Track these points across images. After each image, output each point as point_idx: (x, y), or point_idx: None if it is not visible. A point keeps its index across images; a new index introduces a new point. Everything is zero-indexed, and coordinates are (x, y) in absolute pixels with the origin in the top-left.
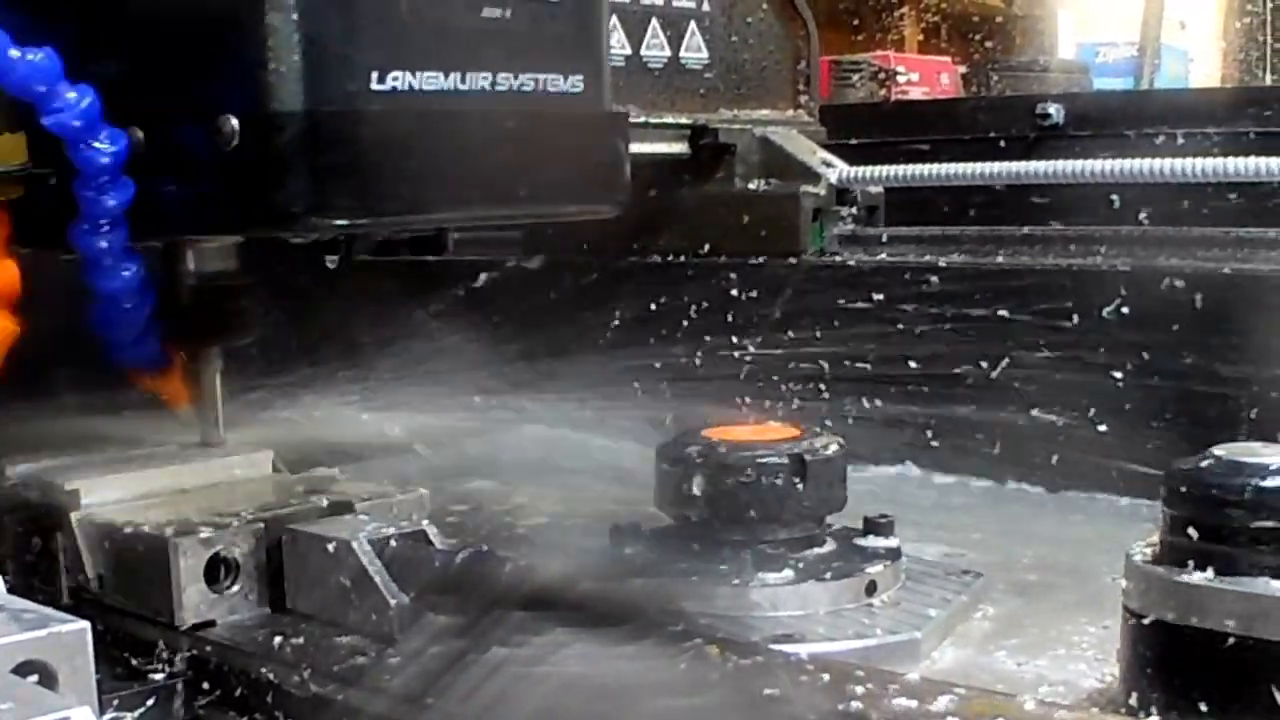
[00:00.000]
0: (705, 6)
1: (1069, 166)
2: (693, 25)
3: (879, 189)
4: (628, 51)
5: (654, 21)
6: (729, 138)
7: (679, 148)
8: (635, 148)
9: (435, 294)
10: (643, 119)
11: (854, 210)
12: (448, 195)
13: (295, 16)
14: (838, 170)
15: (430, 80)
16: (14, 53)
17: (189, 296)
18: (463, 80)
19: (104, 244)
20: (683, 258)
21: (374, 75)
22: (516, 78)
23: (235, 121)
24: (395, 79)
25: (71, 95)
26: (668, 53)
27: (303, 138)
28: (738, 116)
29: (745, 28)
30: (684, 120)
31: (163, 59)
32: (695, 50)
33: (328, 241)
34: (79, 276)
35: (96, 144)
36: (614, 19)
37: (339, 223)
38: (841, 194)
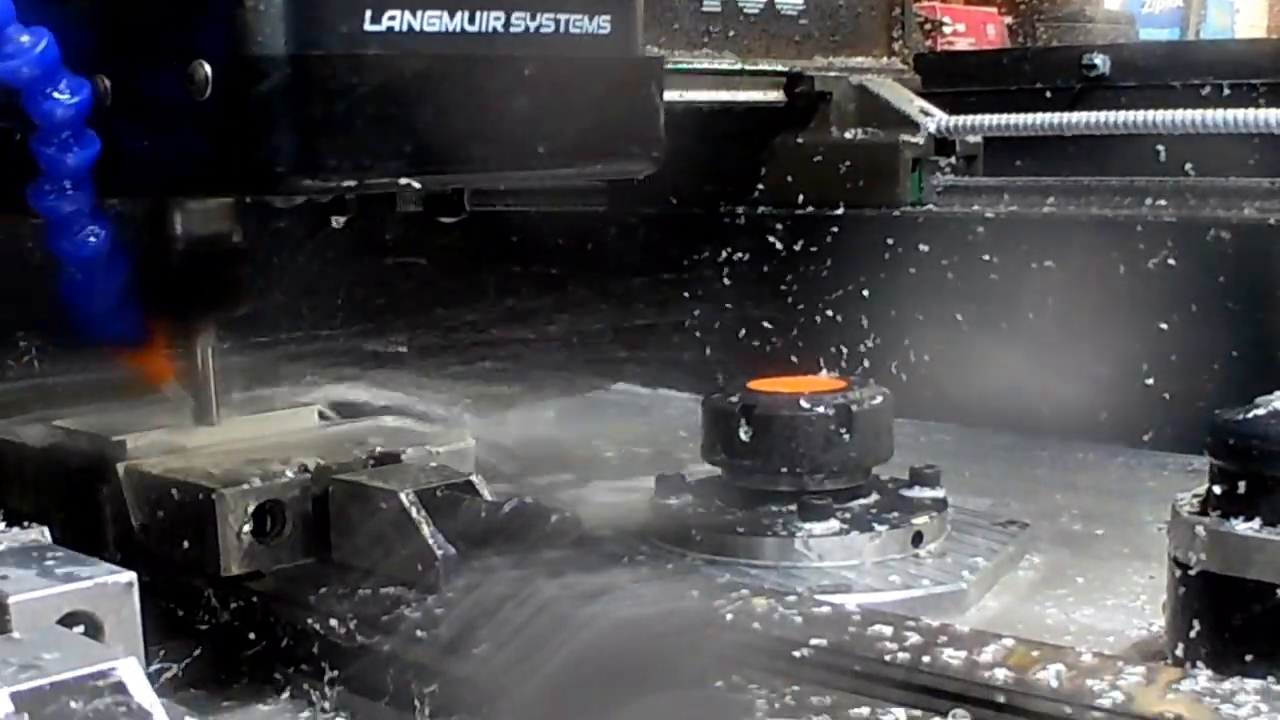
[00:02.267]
0: None
1: (1145, 117)
2: None
3: (978, 138)
4: None
5: None
6: (825, 85)
7: (774, 95)
8: (729, 95)
9: (514, 248)
10: (738, 66)
11: (953, 160)
12: (454, 152)
13: None
14: (937, 119)
15: (433, 20)
16: None
17: (176, 262)
18: (471, 20)
19: (68, 206)
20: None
21: (368, 14)
22: (534, 18)
23: (208, 68)
24: (392, 18)
25: (25, 39)
26: None
27: (286, 86)
28: (833, 64)
29: None
30: (780, 67)
31: None
32: None
33: (333, 200)
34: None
35: (55, 94)
36: None
37: (329, 184)
38: (941, 144)
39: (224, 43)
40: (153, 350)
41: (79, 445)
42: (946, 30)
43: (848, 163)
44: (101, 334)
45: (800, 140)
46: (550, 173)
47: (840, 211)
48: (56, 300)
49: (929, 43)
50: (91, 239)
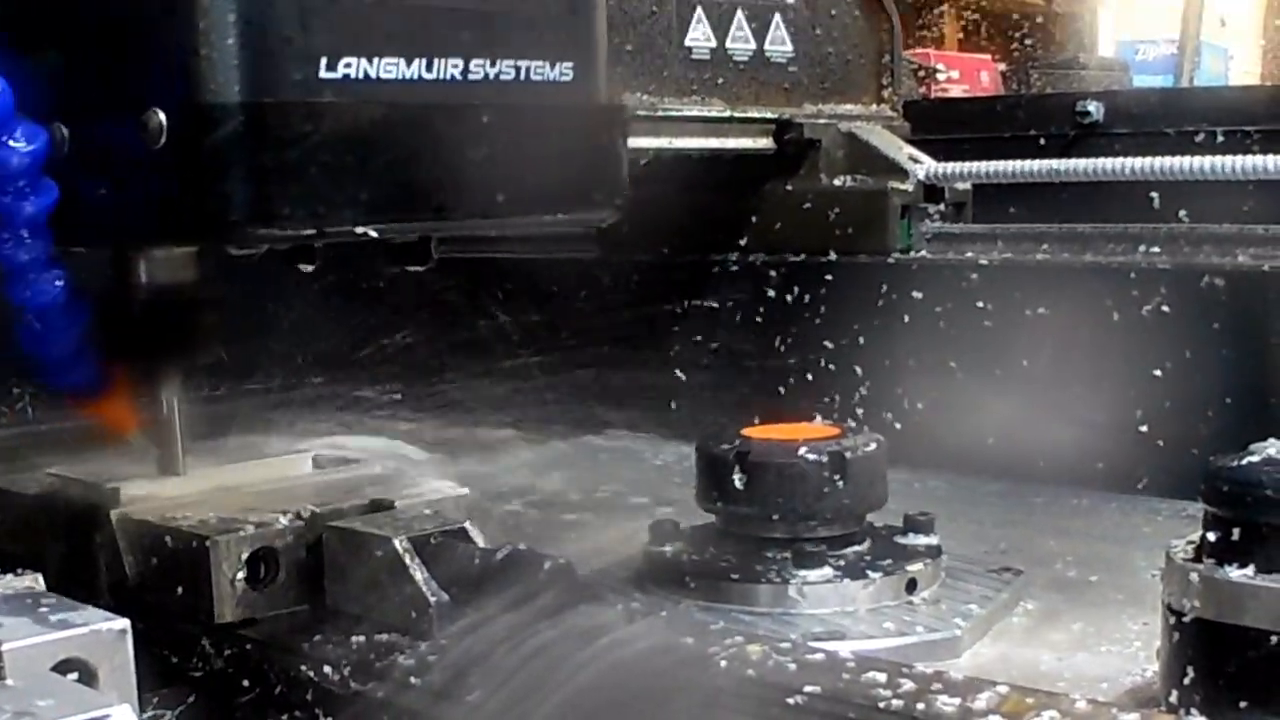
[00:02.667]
0: None
1: (1139, 164)
2: (778, 18)
3: (967, 185)
4: (713, 44)
5: (739, 13)
6: (814, 133)
7: (763, 143)
8: (718, 143)
9: (499, 291)
10: (727, 113)
11: (941, 207)
12: (412, 201)
13: None
14: (926, 166)
15: (390, 67)
16: None
17: (139, 309)
18: (429, 68)
19: (24, 255)
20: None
21: (323, 61)
22: (493, 64)
23: (162, 115)
24: (348, 66)
25: None
26: (753, 46)
27: (240, 134)
28: (822, 111)
29: (830, 20)
30: (769, 114)
31: (85, 46)
32: (780, 43)
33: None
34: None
35: (11, 142)
36: (699, 11)
37: (284, 233)
38: (930, 191)
39: (178, 91)
40: (115, 399)
41: (72, 492)
42: (941, 77)
43: (836, 210)
44: (60, 382)
45: (789, 187)
46: (511, 221)
47: (833, 259)
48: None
49: (923, 89)
50: (49, 288)
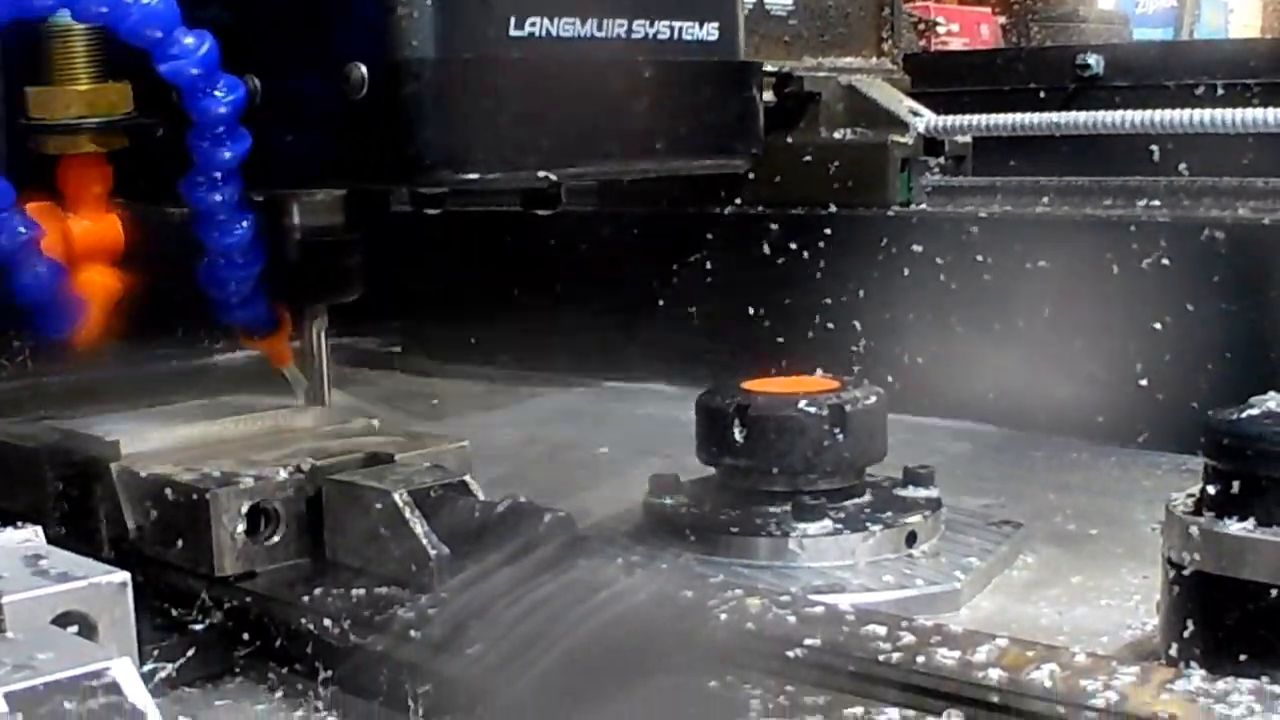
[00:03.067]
0: None
1: (1139, 117)
2: None
3: (967, 138)
4: None
5: None
6: (814, 86)
7: (765, 96)
8: None
9: (507, 247)
10: None
11: (941, 160)
12: (584, 147)
13: None
14: (926, 119)
15: (567, 26)
16: None
17: (295, 253)
18: (599, 27)
19: (218, 197)
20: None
21: (511, 21)
22: (653, 25)
23: (364, 69)
24: (533, 25)
25: (189, 41)
26: None
27: (437, 87)
28: (822, 64)
29: None
30: (769, 67)
31: (285, 4)
32: None
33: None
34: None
35: (214, 93)
36: None
37: (472, 176)
38: (930, 144)
39: (379, 47)
40: (278, 336)
41: (73, 445)
42: (940, 30)
43: (837, 163)
44: (234, 318)
45: (790, 140)
46: (666, 165)
47: (833, 211)
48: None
49: (923, 43)
50: (238, 230)
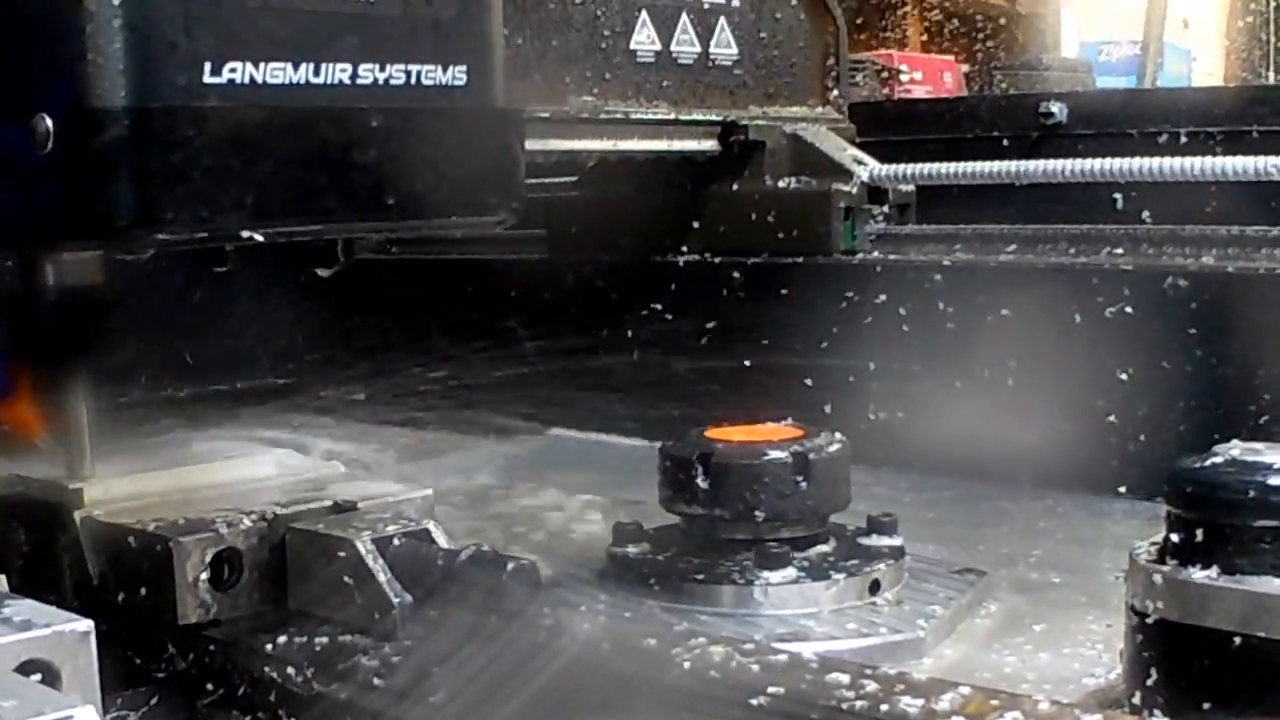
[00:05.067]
0: (735, 2)
1: (1103, 165)
2: (723, 21)
3: (911, 187)
4: (658, 47)
5: (684, 17)
6: (759, 135)
7: (709, 144)
8: (663, 144)
9: (452, 290)
10: (672, 115)
11: (885, 209)
12: (300, 204)
13: (116, 1)
14: (869, 168)
15: (276, 72)
16: None
17: (47, 312)
18: (316, 72)
19: None
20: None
21: (208, 66)
22: (383, 69)
23: (49, 121)
24: (233, 70)
25: None
26: (698, 48)
27: (125, 138)
28: (767, 113)
29: (775, 23)
30: (714, 117)
31: None
32: (725, 46)
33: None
34: None
35: None
36: (644, 14)
37: (171, 236)
38: (874, 192)
39: (63, 96)
40: (21, 402)
41: (36, 493)
42: (904, 79)
43: (781, 211)
44: None
45: (735, 188)
46: (404, 224)
47: (794, 260)
48: None
49: (886, 90)
50: None
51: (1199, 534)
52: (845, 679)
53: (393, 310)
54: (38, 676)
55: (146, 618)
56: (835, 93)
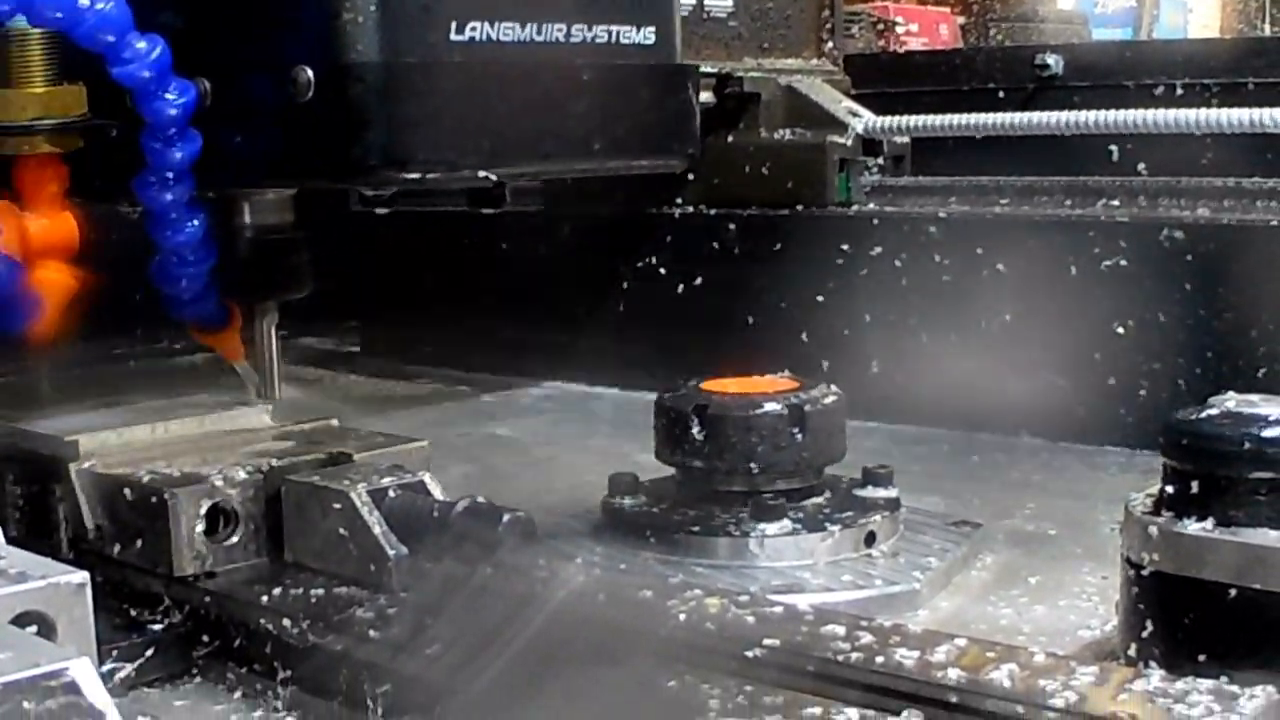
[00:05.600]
0: None
1: (1099, 117)
2: None
3: (905, 139)
4: None
5: None
6: (754, 87)
7: (704, 97)
8: None
9: (454, 249)
10: None
11: (880, 160)
12: (523, 148)
13: None
14: (864, 120)
15: (507, 30)
16: (83, 1)
17: (246, 250)
18: (539, 31)
19: (169, 196)
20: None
21: (453, 25)
22: (591, 29)
23: (310, 73)
24: (474, 29)
25: (142, 45)
26: (693, 0)
27: (380, 90)
28: (762, 65)
29: None
30: (709, 69)
31: (233, 9)
32: None
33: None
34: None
35: (166, 95)
36: None
37: (414, 175)
38: (869, 144)
39: (325, 51)
40: (226, 330)
41: (32, 446)
42: (899, 30)
43: (776, 163)
44: (188, 315)
45: (730, 140)
46: (603, 165)
47: (790, 211)
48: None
49: (882, 43)
50: (189, 228)
51: (1194, 486)
52: (841, 631)
53: (394, 264)
54: (33, 628)
55: (142, 570)
56: (830, 45)
